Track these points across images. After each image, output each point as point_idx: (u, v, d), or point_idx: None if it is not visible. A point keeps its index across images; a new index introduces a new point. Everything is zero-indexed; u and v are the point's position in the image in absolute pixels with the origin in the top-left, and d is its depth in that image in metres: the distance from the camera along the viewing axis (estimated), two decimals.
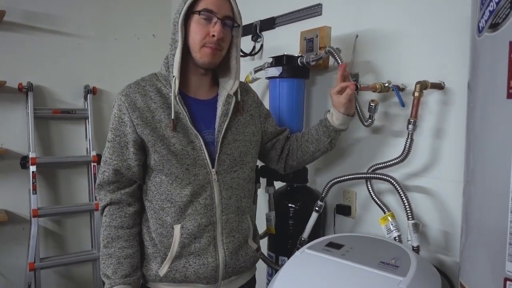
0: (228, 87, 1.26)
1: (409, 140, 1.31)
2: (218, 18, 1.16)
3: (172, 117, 1.16)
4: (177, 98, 1.17)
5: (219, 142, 1.20)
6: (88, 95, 2.54)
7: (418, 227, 1.28)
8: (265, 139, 1.39)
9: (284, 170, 1.48)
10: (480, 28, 0.84)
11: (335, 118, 1.31)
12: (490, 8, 0.79)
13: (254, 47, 2.11)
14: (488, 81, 0.83)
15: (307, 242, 1.32)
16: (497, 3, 0.78)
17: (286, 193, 1.71)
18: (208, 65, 1.21)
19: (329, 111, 1.35)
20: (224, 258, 1.21)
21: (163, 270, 1.19)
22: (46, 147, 2.52)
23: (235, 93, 1.26)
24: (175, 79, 1.16)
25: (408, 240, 1.28)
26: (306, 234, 1.53)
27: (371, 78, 1.53)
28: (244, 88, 1.36)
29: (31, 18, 2.42)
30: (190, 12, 1.16)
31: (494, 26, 0.79)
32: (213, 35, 1.15)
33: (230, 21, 1.19)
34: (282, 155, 1.44)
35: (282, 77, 1.59)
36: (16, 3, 2.36)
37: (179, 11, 1.16)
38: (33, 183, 2.30)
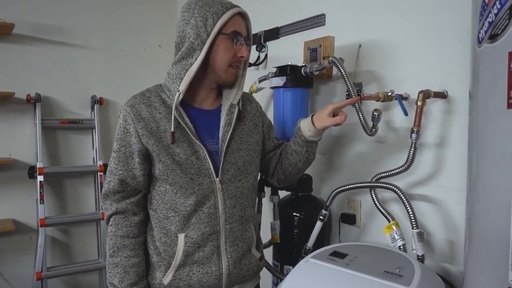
0: (231, 97, 1.27)
1: (412, 149, 1.31)
2: (243, 40, 1.20)
3: (172, 130, 1.16)
4: (177, 111, 1.17)
5: (223, 152, 1.22)
6: (95, 105, 2.57)
7: (422, 236, 1.27)
8: (265, 149, 1.39)
9: (278, 183, 1.48)
10: (480, 39, 0.84)
11: (307, 129, 1.30)
12: (489, 19, 0.80)
13: (258, 57, 2.13)
14: (489, 91, 0.83)
15: (312, 251, 1.32)
16: (496, 14, 0.78)
17: (291, 202, 1.71)
18: (229, 82, 1.25)
19: (302, 119, 1.35)
20: (227, 267, 1.21)
21: (167, 279, 1.20)
22: (53, 157, 2.55)
23: (238, 103, 1.27)
24: (179, 94, 1.16)
25: (412, 249, 1.27)
26: (310, 243, 1.53)
27: (374, 88, 1.54)
28: (247, 98, 1.37)
29: (39, 31, 2.46)
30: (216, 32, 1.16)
31: (493, 37, 0.79)
32: (241, 56, 1.20)
33: (248, 41, 1.24)
34: (275, 169, 1.44)
35: (286, 86, 1.60)
36: (24, 16, 2.41)
37: (207, 32, 1.14)
38: (40, 192, 2.33)
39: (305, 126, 1.31)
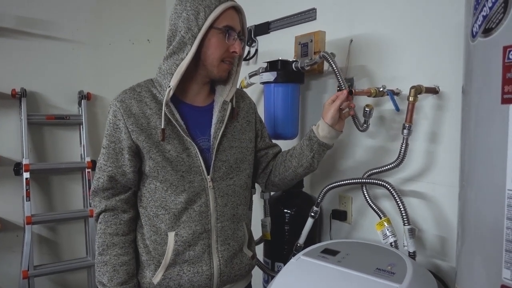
0: (224, 93, 1.25)
1: (404, 145, 1.31)
2: (237, 35, 1.17)
3: (162, 127, 1.14)
4: (168, 107, 1.15)
5: (215, 149, 1.20)
6: (82, 100, 2.52)
7: (414, 233, 1.27)
8: (256, 146, 1.36)
9: (266, 186, 1.44)
10: (474, 33, 0.83)
11: (320, 129, 1.27)
12: (484, 13, 0.79)
13: (249, 52, 2.11)
14: (482, 87, 0.82)
15: (303, 248, 1.31)
16: (490, 8, 0.77)
17: (282, 199, 1.70)
18: (222, 78, 1.22)
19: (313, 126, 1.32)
20: (218, 266, 1.19)
21: (157, 278, 1.18)
22: (39, 153, 2.49)
23: (231, 100, 1.25)
24: (170, 90, 1.13)
25: (404, 246, 1.27)
26: (302, 239, 1.52)
27: (365, 83, 1.53)
28: (240, 94, 1.35)
29: (24, 24, 2.40)
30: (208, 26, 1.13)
31: (487, 31, 0.79)
32: (234, 52, 1.17)
33: (242, 36, 1.21)
34: (265, 170, 1.40)
35: (277, 82, 1.59)
36: (9, 8, 2.35)
37: (199, 26, 1.11)
38: (26, 189, 2.28)
39: (317, 128, 1.28)
